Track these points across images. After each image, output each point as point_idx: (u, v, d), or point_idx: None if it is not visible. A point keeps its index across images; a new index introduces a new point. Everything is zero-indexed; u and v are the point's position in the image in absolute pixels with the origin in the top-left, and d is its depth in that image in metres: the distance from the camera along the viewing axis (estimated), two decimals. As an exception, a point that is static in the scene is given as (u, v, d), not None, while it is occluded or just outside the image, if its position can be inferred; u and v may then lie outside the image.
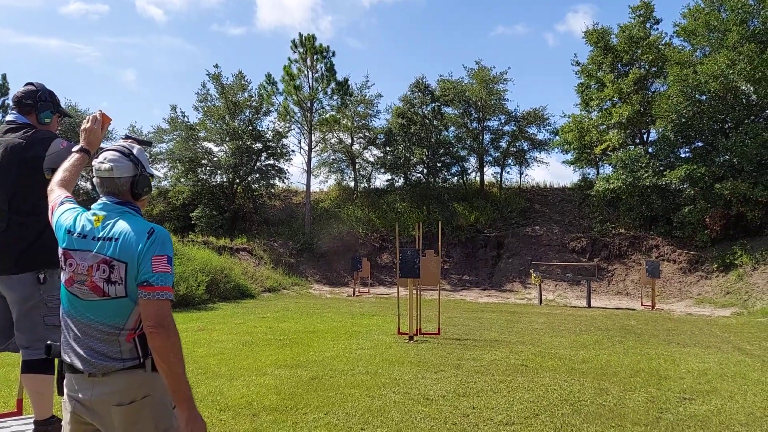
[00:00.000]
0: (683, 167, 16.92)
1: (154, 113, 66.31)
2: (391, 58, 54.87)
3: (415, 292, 7.65)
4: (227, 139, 22.83)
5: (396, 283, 10.15)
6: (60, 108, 2.86)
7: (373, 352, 6.46)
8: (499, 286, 18.32)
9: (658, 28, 20.42)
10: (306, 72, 22.07)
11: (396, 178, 23.32)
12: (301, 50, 21.78)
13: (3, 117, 23.19)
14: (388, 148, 23.23)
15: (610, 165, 20.18)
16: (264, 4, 61.46)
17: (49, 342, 1.74)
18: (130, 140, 1.75)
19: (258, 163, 23.55)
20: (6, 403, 3.99)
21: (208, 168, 23.74)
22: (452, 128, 24.09)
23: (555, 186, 24.16)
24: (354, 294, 16.44)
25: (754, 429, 3.83)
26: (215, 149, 23.85)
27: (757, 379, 5.37)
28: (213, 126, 23.51)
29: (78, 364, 1.58)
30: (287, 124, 23.67)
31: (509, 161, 24.38)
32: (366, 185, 24.96)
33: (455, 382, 4.99)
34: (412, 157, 22.29)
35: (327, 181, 26.00)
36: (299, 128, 23.77)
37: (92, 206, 1.67)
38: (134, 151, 1.70)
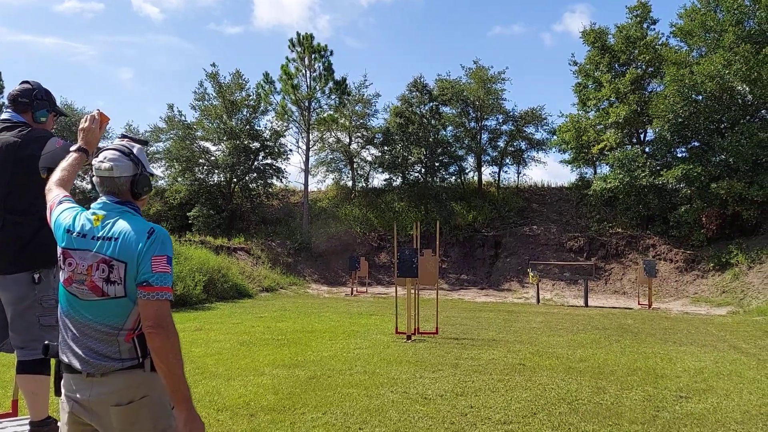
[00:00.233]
0: (680, 167, 17.00)
1: (149, 112, 66.08)
2: (389, 58, 54.90)
3: (413, 291, 7.65)
4: (225, 138, 22.76)
5: (394, 283, 10.16)
6: (56, 107, 2.84)
7: (371, 351, 6.46)
8: (496, 285, 18.36)
9: (654, 29, 20.50)
10: (304, 71, 22.03)
11: (394, 178, 23.32)
12: (299, 49, 21.74)
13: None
14: (386, 148, 23.22)
15: (607, 164, 20.24)
16: (261, 2, 61.38)
17: (46, 342, 1.73)
18: (126, 139, 1.74)
19: (255, 163, 23.50)
20: (1, 404, 3.97)
21: (205, 167, 23.67)
22: (450, 128, 24.12)
23: (552, 185, 24.22)
24: (352, 293, 16.43)
25: (749, 427, 3.85)
26: (212, 148, 23.79)
27: (753, 378, 5.40)
28: (210, 125, 23.44)
29: (76, 364, 1.58)
30: (285, 124, 23.63)
31: (507, 161, 24.42)
32: (364, 185, 24.95)
33: (453, 381, 5.00)
34: (410, 157, 22.29)
35: (325, 181, 26.00)
36: (297, 127, 23.75)
37: (92, 205, 1.67)
38: (134, 151, 1.70)
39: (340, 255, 19.97)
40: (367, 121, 25.06)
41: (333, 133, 25.00)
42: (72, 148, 1.98)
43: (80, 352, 1.57)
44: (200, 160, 23.48)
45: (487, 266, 19.69)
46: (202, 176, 23.50)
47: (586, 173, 22.71)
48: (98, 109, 2.07)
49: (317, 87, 22.01)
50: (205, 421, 1.61)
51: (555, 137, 22.56)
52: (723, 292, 14.67)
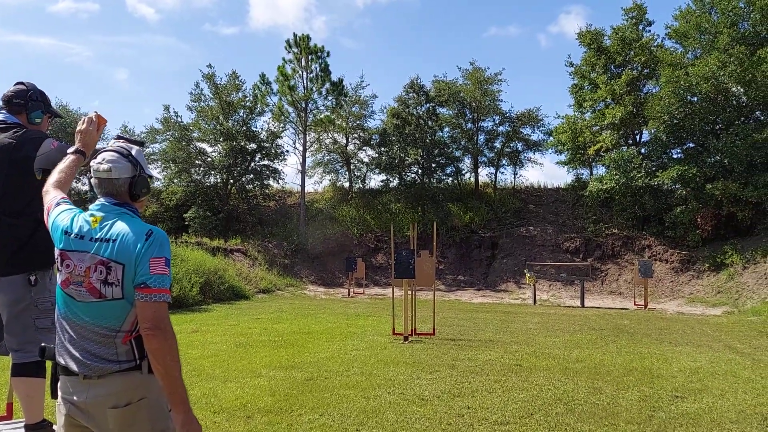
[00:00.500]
0: (675, 168, 17.10)
1: (145, 113, 65.86)
2: (385, 59, 54.96)
3: (410, 292, 7.65)
4: (221, 139, 22.71)
5: (391, 284, 10.16)
6: (51, 108, 2.83)
7: (368, 352, 6.45)
8: (493, 286, 18.39)
9: (650, 30, 20.63)
10: (300, 72, 22.04)
11: (391, 179, 23.34)
12: (296, 50, 21.73)
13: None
14: (382, 149, 23.24)
15: (603, 166, 20.34)
16: (257, 3, 61.29)
17: (43, 344, 1.72)
18: (122, 140, 1.74)
19: (252, 164, 23.46)
20: (-3, 406, 3.94)
21: (201, 168, 23.61)
22: (447, 129, 24.17)
23: (549, 186, 24.30)
24: (349, 295, 16.42)
25: (744, 426, 3.87)
26: (209, 149, 23.74)
27: (748, 377, 5.43)
28: (207, 126, 23.38)
29: (73, 366, 1.57)
30: (282, 125, 23.61)
31: (503, 162, 24.50)
32: (361, 186, 24.95)
33: (450, 382, 5.00)
34: (406, 158, 22.31)
35: (321, 182, 25.98)
36: (294, 129, 23.74)
37: (90, 207, 1.66)
38: (133, 152, 1.69)
39: (337, 256, 19.96)
40: (364, 122, 25.11)
41: (330, 135, 25.00)
42: (69, 150, 1.98)
43: (77, 354, 1.57)
44: (196, 162, 23.42)
45: (483, 267, 19.73)
46: (198, 177, 23.44)
47: (583, 174, 22.84)
48: (96, 111, 2.07)
49: (314, 88, 22.01)
50: (202, 423, 1.60)
51: (551, 138, 22.65)
52: (718, 293, 14.76)
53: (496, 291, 17.78)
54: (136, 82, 59.62)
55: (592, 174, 22.06)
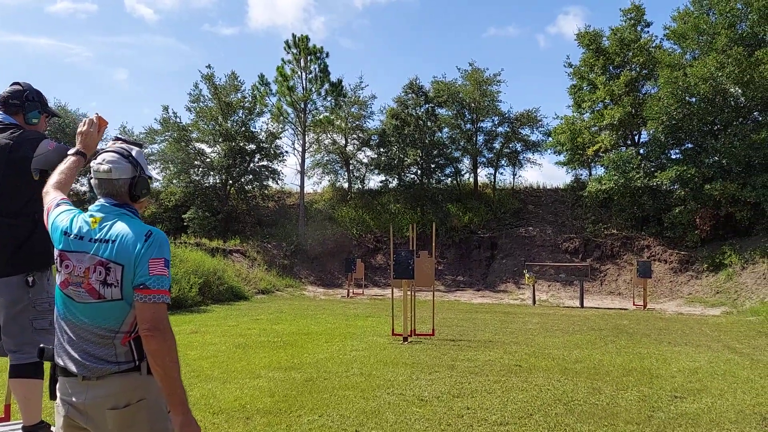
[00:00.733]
0: (674, 168, 17.13)
1: (144, 113, 65.77)
2: (384, 59, 55.00)
3: (409, 293, 7.65)
4: (220, 140, 22.70)
5: (390, 285, 10.16)
6: (47, 108, 2.82)
7: (367, 353, 6.45)
8: (492, 286, 18.39)
9: (648, 31, 20.65)
10: (299, 73, 22.04)
11: (390, 180, 23.34)
12: (295, 51, 21.73)
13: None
14: (381, 149, 23.24)
15: (602, 166, 20.36)
16: (256, 4, 61.32)
17: (42, 345, 1.72)
18: (120, 141, 1.74)
19: (251, 165, 23.44)
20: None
21: (200, 169, 23.58)
22: (446, 129, 24.17)
23: (548, 187, 24.32)
24: (348, 295, 16.41)
25: (743, 426, 3.88)
26: (208, 150, 23.71)
27: (747, 377, 5.44)
28: (206, 127, 23.37)
29: (72, 367, 1.57)
30: (281, 125, 23.60)
31: (503, 162, 24.51)
32: (360, 186, 24.94)
33: (450, 383, 5.00)
34: (405, 159, 22.32)
35: (321, 183, 25.96)
36: (293, 129, 23.73)
37: (90, 207, 1.66)
38: (133, 153, 1.70)
39: (336, 257, 19.95)
40: (363, 122, 25.10)
41: (329, 135, 24.99)
42: (70, 152, 1.98)
43: (76, 356, 1.56)
44: (195, 162, 23.39)
45: (483, 268, 19.73)
46: (197, 178, 23.41)
47: (581, 175, 22.85)
48: (97, 113, 2.07)
49: (313, 89, 22.01)
50: (201, 424, 1.60)
51: (550, 139, 22.67)
52: (717, 293, 14.78)
53: (495, 291, 17.78)
54: (135, 82, 59.59)
55: (591, 174, 22.08)
